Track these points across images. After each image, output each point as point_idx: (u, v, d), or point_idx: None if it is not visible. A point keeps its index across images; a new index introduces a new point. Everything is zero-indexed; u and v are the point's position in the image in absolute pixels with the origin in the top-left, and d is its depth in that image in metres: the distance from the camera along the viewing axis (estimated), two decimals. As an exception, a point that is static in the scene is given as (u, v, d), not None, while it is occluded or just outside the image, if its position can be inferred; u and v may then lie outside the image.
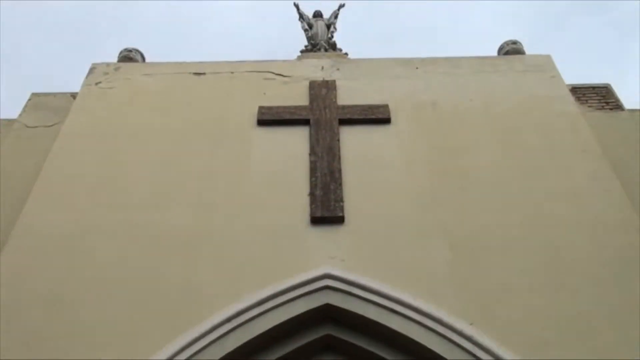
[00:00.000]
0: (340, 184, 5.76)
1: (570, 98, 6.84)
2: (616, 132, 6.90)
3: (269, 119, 6.49)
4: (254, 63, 7.27)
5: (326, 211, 5.54)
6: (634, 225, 5.41)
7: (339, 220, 5.50)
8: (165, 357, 4.59)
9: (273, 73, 7.11)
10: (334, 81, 6.95)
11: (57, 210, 5.62)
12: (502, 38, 7.86)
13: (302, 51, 8.19)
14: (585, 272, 5.10)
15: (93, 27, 20.58)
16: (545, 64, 7.20)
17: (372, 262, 5.19)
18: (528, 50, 7.62)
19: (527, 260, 5.18)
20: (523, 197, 5.68)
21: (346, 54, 8.14)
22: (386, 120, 6.47)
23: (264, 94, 6.80)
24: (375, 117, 6.50)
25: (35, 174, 5.97)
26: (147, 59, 7.72)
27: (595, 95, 7.68)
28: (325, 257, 5.22)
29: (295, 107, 6.62)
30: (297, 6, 8.95)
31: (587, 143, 6.20)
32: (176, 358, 4.60)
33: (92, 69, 7.21)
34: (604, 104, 7.59)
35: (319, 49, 8.20)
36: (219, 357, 4.67)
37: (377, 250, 5.29)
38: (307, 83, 6.95)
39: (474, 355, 4.61)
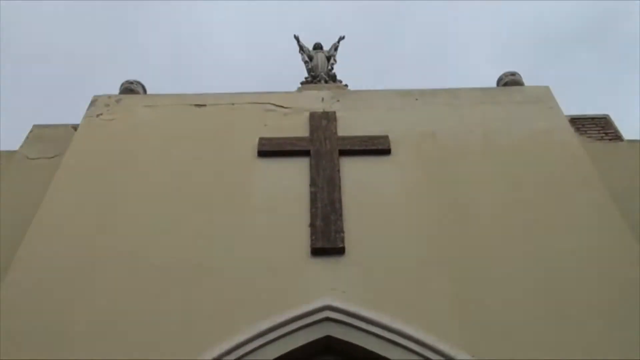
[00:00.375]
0: (341, 215, 5.76)
1: (570, 129, 6.86)
2: (616, 162, 6.91)
3: (270, 150, 6.50)
4: (254, 95, 7.31)
5: (327, 242, 5.53)
6: (635, 256, 5.39)
7: (339, 251, 5.49)
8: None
9: (273, 104, 7.15)
10: (334, 112, 6.98)
11: (57, 242, 5.61)
12: (500, 69, 7.93)
13: (302, 83, 8.24)
14: (588, 304, 5.07)
15: (94, 59, 20.74)
16: (544, 95, 7.24)
17: (373, 294, 5.17)
18: (527, 81, 7.67)
19: (528, 293, 5.16)
20: (524, 229, 5.67)
21: (346, 85, 8.19)
22: (386, 151, 6.48)
23: (265, 125, 6.83)
24: (376, 148, 6.51)
25: (36, 206, 5.97)
26: (149, 91, 7.76)
27: (594, 126, 7.71)
28: (326, 288, 5.20)
29: (296, 139, 6.64)
30: (297, 38, 9.03)
31: (587, 174, 6.21)
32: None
33: (93, 101, 7.24)
34: (604, 135, 7.62)
35: (319, 81, 8.25)
36: (219, 389, 4.63)
37: (378, 282, 5.26)
38: (307, 114, 6.98)
39: (476, 387, 4.58)
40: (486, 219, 5.78)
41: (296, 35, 9.05)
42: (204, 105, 7.15)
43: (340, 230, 5.61)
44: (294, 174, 6.25)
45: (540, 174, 6.20)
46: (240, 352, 4.78)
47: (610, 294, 5.13)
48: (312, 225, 5.69)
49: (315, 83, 8.21)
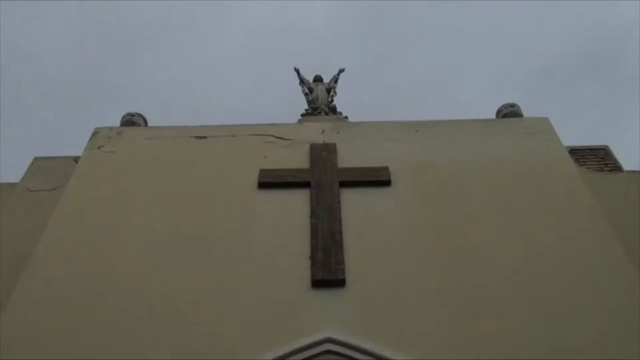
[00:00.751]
0: (341, 247, 5.74)
1: (569, 160, 6.88)
2: (616, 193, 6.93)
3: (270, 181, 6.51)
4: (255, 126, 7.34)
5: (327, 274, 5.51)
6: (636, 286, 5.37)
7: (340, 283, 5.47)
8: None
9: (274, 136, 7.18)
10: (334, 144, 7.01)
11: (57, 275, 5.59)
12: (499, 101, 7.96)
13: (302, 115, 8.28)
14: (589, 335, 5.03)
15: (96, 91, 20.89)
16: (543, 127, 7.26)
17: (374, 326, 5.14)
18: (526, 113, 7.70)
19: (530, 324, 5.12)
20: (524, 260, 5.65)
21: (346, 117, 8.24)
22: (386, 183, 6.49)
23: (265, 157, 6.85)
24: (376, 179, 6.52)
25: (37, 238, 5.96)
26: (150, 123, 7.80)
27: (594, 156, 7.73)
28: (327, 320, 5.17)
29: (296, 170, 6.66)
30: (297, 71, 9.10)
31: (587, 204, 6.21)
32: None
33: (94, 133, 7.27)
34: (603, 166, 7.64)
35: (320, 113, 8.30)
36: None
37: (379, 314, 5.24)
38: (307, 146, 7.00)
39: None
40: (486, 250, 5.76)
41: (296, 67, 9.13)
42: (205, 137, 7.17)
43: (341, 262, 5.60)
44: (295, 206, 6.25)
45: (541, 205, 6.20)
46: (241, 385, 4.74)
47: (612, 325, 5.09)
48: (313, 257, 5.67)
49: (315, 115, 8.25)
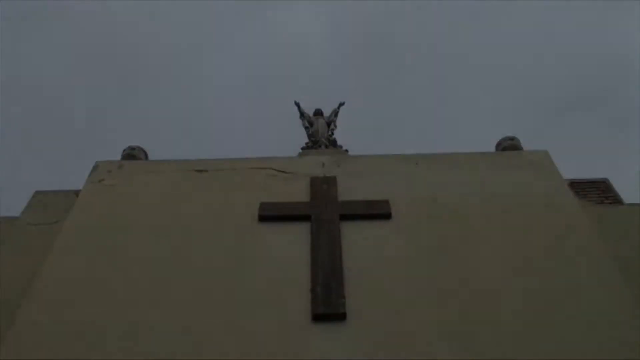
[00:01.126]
0: (342, 281, 5.72)
1: (569, 193, 6.89)
2: (617, 226, 6.91)
3: (271, 215, 6.52)
4: (255, 160, 7.37)
5: (328, 308, 5.49)
6: (637, 320, 5.34)
7: (341, 317, 5.43)
8: None
9: (274, 169, 7.20)
10: (335, 177, 7.02)
11: (56, 309, 5.56)
12: (498, 134, 8.01)
13: (303, 148, 8.32)
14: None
15: (97, 125, 20.99)
16: (542, 160, 7.29)
17: (375, 360, 5.10)
18: (525, 145, 7.73)
19: (532, 357, 5.08)
20: (525, 294, 5.63)
21: (346, 150, 8.27)
22: (387, 216, 6.49)
23: (266, 190, 6.86)
24: (376, 212, 6.52)
25: (37, 271, 5.94)
26: (151, 156, 7.83)
27: (594, 189, 7.74)
28: (327, 355, 5.13)
29: (297, 203, 6.66)
30: (298, 104, 9.16)
31: (588, 238, 6.20)
32: None
33: (95, 167, 7.30)
34: (603, 198, 7.64)
35: (320, 146, 8.33)
36: None
37: (380, 348, 5.19)
38: (308, 179, 7.02)
39: None
40: (487, 283, 5.74)
41: (297, 101, 9.19)
42: (205, 170, 7.20)
43: (342, 296, 5.57)
44: (295, 239, 6.24)
45: (541, 238, 6.19)
46: (240, 421, 4.70)
47: (613, 358, 5.05)
48: (313, 290, 5.65)
49: (315, 148, 8.29)
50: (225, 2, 23.21)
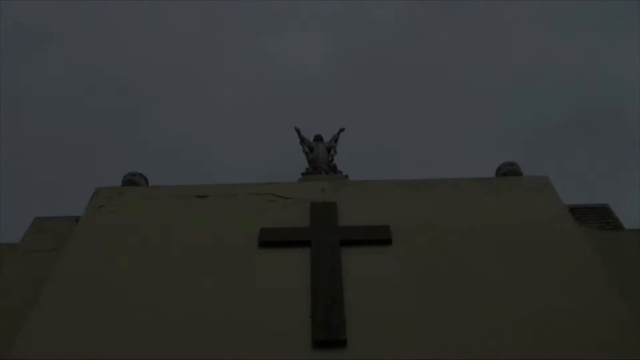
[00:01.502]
0: (342, 306, 5.69)
1: (570, 218, 6.87)
2: (618, 251, 6.89)
3: (271, 240, 6.51)
4: (255, 185, 7.38)
5: (328, 334, 5.45)
6: (639, 346, 5.32)
7: (341, 343, 5.40)
8: None
9: (274, 195, 7.20)
10: (335, 203, 7.02)
11: (56, 334, 5.52)
12: (499, 159, 8.01)
13: (303, 174, 8.34)
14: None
15: (96, 151, 21.04)
16: (543, 185, 7.29)
17: (376, 388, 5.06)
18: (525, 171, 7.74)
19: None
20: (525, 320, 5.58)
21: (346, 176, 8.29)
22: (387, 242, 6.48)
23: (266, 215, 6.86)
24: (376, 238, 6.51)
25: (36, 298, 5.91)
26: (151, 181, 7.84)
27: (594, 215, 7.71)
28: (328, 382, 5.10)
29: (297, 229, 6.66)
30: (298, 130, 9.22)
31: (589, 263, 6.18)
32: None
33: (95, 193, 7.30)
34: (604, 224, 7.62)
35: (320, 172, 8.36)
36: None
37: (381, 375, 5.16)
38: (308, 205, 7.01)
39: None
40: (488, 310, 5.71)
41: (297, 127, 9.24)
42: (206, 196, 7.20)
43: (342, 322, 5.54)
44: (295, 265, 6.22)
45: (542, 265, 6.17)
46: None
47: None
48: (314, 317, 5.62)
49: (316, 174, 8.31)
50: (227, 24, 23.52)
